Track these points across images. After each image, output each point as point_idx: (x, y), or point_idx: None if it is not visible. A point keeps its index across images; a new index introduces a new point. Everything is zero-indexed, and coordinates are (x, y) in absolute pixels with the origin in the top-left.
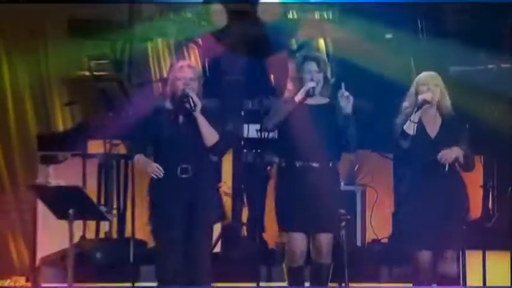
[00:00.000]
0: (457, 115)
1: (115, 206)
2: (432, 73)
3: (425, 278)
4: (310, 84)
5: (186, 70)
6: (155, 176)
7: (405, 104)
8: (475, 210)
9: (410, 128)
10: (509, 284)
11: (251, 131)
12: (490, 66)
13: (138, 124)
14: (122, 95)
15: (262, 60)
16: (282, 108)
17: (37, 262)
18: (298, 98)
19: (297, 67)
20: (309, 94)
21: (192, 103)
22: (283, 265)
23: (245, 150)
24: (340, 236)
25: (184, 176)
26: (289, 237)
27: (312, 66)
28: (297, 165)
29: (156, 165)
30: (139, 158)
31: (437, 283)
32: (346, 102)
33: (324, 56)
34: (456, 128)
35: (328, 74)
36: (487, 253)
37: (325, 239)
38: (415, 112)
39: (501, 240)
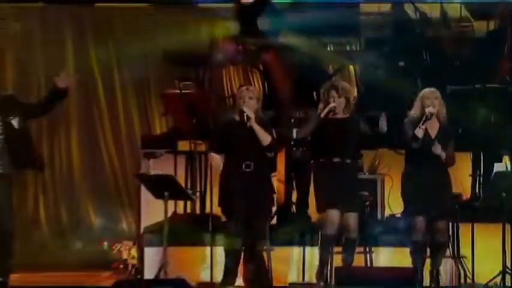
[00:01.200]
0: (451, 121)
1: (198, 189)
2: (433, 89)
3: (424, 241)
4: (331, 106)
5: (245, 91)
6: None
7: (411, 112)
8: (466, 193)
9: (419, 133)
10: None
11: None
12: (477, 86)
13: (215, 130)
14: (201, 109)
15: (308, 82)
16: (311, 121)
17: (141, 230)
18: (322, 114)
19: (324, 92)
20: (331, 112)
21: (245, 117)
22: (319, 233)
23: (294, 149)
24: (365, 212)
25: (247, 170)
26: (326, 214)
27: (334, 93)
28: (333, 160)
29: (220, 160)
30: (212, 155)
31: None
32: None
33: (346, 84)
34: (450, 131)
35: (352, 97)
36: (475, 225)
37: (353, 218)
38: (424, 121)
39: (485, 216)
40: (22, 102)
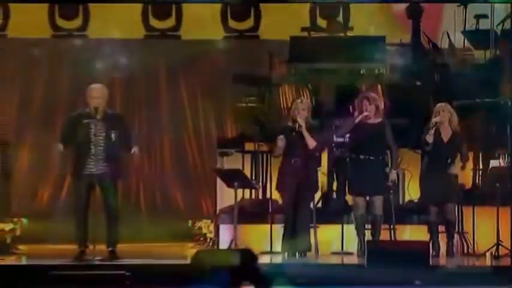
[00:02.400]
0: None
1: (260, 180)
2: (442, 103)
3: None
4: (365, 113)
5: (299, 104)
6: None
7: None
8: (468, 183)
9: (429, 139)
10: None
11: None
12: (477, 100)
13: (273, 134)
14: (263, 118)
15: (345, 98)
16: (348, 125)
17: (217, 211)
18: (357, 120)
19: (358, 102)
20: (365, 118)
21: (297, 125)
22: (352, 214)
23: (334, 149)
24: (389, 199)
25: (296, 164)
26: (355, 199)
27: (366, 102)
28: (361, 158)
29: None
30: (274, 153)
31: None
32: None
33: (375, 94)
34: (461, 136)
35: (381, 105)
36: (475, 207)
37: (378, 199)
38: (431, 129)
39: (483, 200)
40: (124, 123)
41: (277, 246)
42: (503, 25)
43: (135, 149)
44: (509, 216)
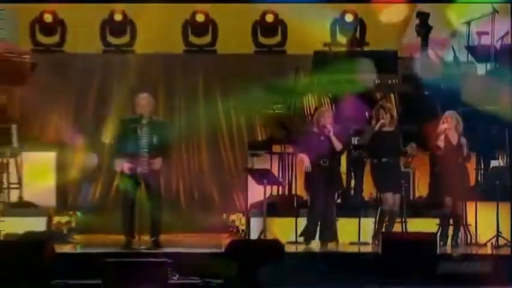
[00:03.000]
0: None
1: (286, 178)
2: (450, 111)
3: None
4: (382, 121)
5: (326, 112)
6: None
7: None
8: (472, 181)
9: (440, 144)
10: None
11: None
12: (480, 108)
13: (300, 138)
14: (289, 124)
15: (363, 105)
16: (368, 132)
17: (248, 206)
18: (376, 127)
19: (375, 111)
20: (382, 126)
21: (327, 130)
22: (379, 208)
23: (353, 151)
24: (402, 194)
25: (324, 164)
26: (384, 195)
27: (382, 111)
28: (383, 161)
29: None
30: (300, 156)
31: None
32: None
33: (390, 105)
34: (463, 141)
35: (395, 114)
36: (478, 203)
37: (397, 198)
38: (441, 135)
39: (485, 196)
40: (166, 128)
41: (302, 237)
42: (502, 41)
43: (159, 160)
44: (510, 211)
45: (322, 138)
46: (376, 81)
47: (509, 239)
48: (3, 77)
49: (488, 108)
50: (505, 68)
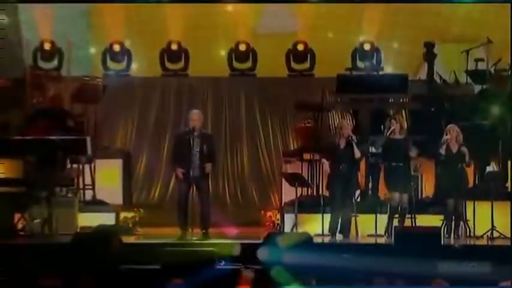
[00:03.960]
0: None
1: (314, 181)
2: (451, 125)
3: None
4: (392, 128)
5: (348, 125)
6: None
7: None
8: (470, 183)
9: (442, 151)
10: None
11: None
12: (481, 122)
13: (325, 147)
14: (317, 135)
15: (378, 118)
16: (381, 140)
17: (283, 204)
18: (387, 135)
19: (387, 122)
20: (392, 132)
21: (351, 139)
22: (388, 206)
23: (370, 158)
24: (411, 195)
25: (343, 169)
26: (392, 194)
27: (393, 121)
28: (393, 164)
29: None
30: (325, 162)
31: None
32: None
33: (400, 117)
34: (465, 149)
35: (404, 125)
36: (476, 202)
37: (406, 197)
38: (443, 145)
39: (481, 197)
40: (213, 140)
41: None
42: (496, 66)
43: (208, 166)
44: (509, 209)
45: (343, 147)
46: (390, 100)
47: (503, 233)
48: (80, 97)
49: (483, 123)
50: (497, 89)
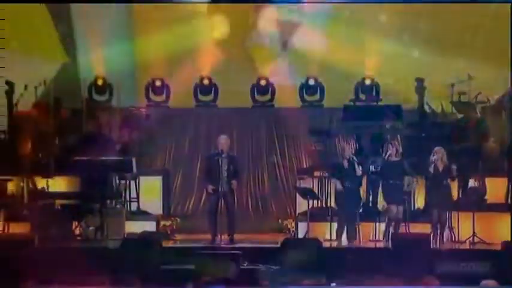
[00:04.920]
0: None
1: (323, 195)
2: (438, 147)
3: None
4: (389, 152)
5: (347, 147)
6: None
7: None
8: (455, 197)
9: (431, 170)
10: (468, 222)
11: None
12: (463, 145)
13: (332, 165)
14: (325, 156)
15: (377, 143)
16: (380, 161)
17: (297, 214)
18: (385, 157)
19: (385, 146)
20: (390, 156)
21: (353, 159)
22: (386, 215)
23: (370, 175)
24: (405, 206)
25: (348, 185)
26: (390, 206)
27: (390, 146)
28: (391, 182)
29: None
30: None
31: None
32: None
33: (396, 142)
34: (451, 167)
35: (399, 149)
36: (459, 213)
37: (400, 207)
38: (432, 164)
39: (465, 208)
40: (238, 161)
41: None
42: (476, 99)
43: (234, 182)
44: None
45: (346, 166)
46: (387, 127)
47: (483, 238)
48: (127, 124)
49: (466, 145)
50: (477, 117)
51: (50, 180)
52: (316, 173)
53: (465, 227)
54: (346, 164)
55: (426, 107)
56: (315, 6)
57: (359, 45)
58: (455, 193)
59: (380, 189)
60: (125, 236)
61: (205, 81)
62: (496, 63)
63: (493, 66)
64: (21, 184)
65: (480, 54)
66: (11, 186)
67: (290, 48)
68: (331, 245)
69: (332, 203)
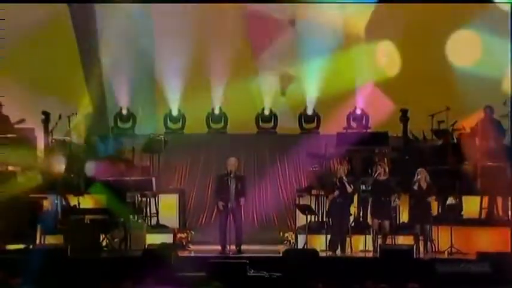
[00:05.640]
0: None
1: (319, 211)
2: (420, 168)
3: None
4: (378, 172)
5: (341, 168)
6: None
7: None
8: (435, 213)
9: (415, 187)
10: (447, 235)
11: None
12: (443, 167)
13: (327, 185)
14: (321, 176)
15: (367, 165)
16: (370, 180)
17: (296, 227)
18: (374, 176)
19: (374, 167)
20: (378, 175)
21: (342, 179)
22: (374, 229)
23: (361, 193)
24: (392, 220)
25: (340, 201)
26: (375, 221)
27: (379, 167)
28: (382, 199)
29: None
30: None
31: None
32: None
33: (383, 163)
34: (431, 186)
35: (387, 169)
36: (439, 227)
37: (386, 223)
38: (415, 183)
39: (444, 222)
40: (245, 181)
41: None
42: (453, 127)
43: (242, 200)
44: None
45: (339, 184)
46: (376, 151)
47: (459, 249)
48: (148, 148)
49: (445, 167)
50: (454, 143)
51: (80, 198)
52: (314, 192)
53: (444, 239)
54: (338, 183)
55: (410, 134)
56: (310, 55)
57: (351, 80)
58: (435, 209)
59: (370, 205)
60: (146, 247)
61: (216, 111)
62: (471, 96)
63: (467, 99)
64: (56, 201)
65: (456, 88)
66: (46, 203)
67: (290, 85)
68: (326, 254)
69: (327, 218)
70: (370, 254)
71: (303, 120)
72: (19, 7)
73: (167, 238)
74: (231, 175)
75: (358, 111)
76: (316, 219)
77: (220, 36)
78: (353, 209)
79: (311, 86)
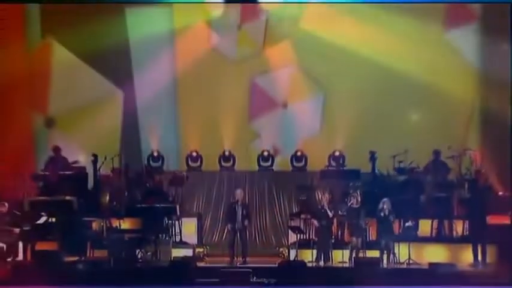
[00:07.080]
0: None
1: (307, 231)
2: (385, 199)
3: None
4: (352, 201)
5: (323, 197)
6: None
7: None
8: (396, 232)
9: (381, 213)
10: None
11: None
12: (403, 197)
13: (312, 210)
14: (308, 204)
15: (345, 195)
16: (344, 207)
17: (289, 243)
18: (349, 205)
19: (349, 197)
20: (352, 204)
21: (325, 206)
22: (350, 244)
23: (340, 217)
24: (363, 238)
25: (323, 223)
26: (352, 238)
27: (352, 197)
28: (360, 222)
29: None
30: (312, 220)
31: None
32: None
33: (357, 195)
34: (393, 212)
35: (359, 199)
36: (400, 243)
37: (359, 239)
38: (381, 211)
39: (403, 239)
40: (249, 208)
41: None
42: (410, 165)
43: (246, 222)
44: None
45: (322, 210)
46: (350, 184)
47: (416, 260)
48: (173, 182)
49: (404, 197)
50: (412, 178)
51: (121, 221)
52: (303, 216)
53: (403, 253)
54: (321, 209)
55: (377, 171)
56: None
57: (330, 127)
58: (396, 229)
59: (346, 227)
60: (172, 259)
61: (227, 153)
62: (426, 140)
63: (423, 142)
64: (102, 223)
65: (413, 134)
66: (95, 225)
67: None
68: (312, 265)
69: (314, 237)
70: (347, 264)
71: (294, 160)
72: None
73: (188, 252)
74: (238, 203)
75: (337, 153)
76: (304, 238)
77: (228, 94)
78: (333, 230)
79: (299, 132)
